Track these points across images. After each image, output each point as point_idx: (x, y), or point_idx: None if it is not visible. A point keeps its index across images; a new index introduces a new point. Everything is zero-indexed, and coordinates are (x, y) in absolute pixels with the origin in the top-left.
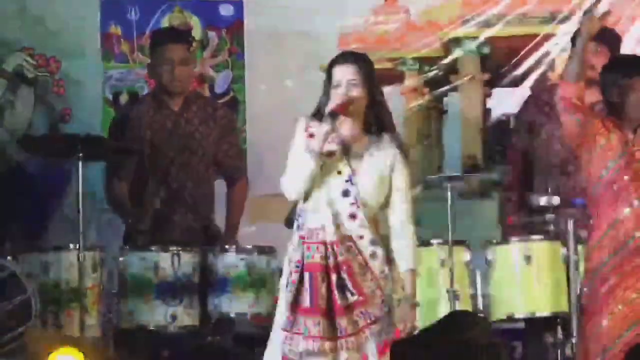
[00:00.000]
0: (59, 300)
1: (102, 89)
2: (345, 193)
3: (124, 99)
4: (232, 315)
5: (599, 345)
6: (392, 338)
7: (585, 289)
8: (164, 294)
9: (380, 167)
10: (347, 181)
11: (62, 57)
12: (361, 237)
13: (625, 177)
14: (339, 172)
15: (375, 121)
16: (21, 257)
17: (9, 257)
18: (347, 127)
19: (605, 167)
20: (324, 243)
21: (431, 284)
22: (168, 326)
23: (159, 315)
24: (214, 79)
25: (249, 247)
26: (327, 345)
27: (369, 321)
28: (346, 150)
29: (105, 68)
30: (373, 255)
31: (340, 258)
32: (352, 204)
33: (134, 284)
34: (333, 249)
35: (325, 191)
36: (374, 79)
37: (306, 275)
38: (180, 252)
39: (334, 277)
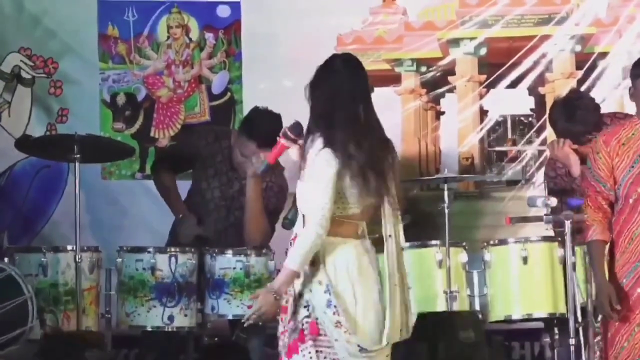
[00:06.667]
0: (57, 301)
1: (99, 90)
2: None
3: (121, 100)
4: (230, 317)
5: None
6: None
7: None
8: (161, 295)
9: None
10: None
11: (59, 58)
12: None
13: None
14: None
15: None
16: (19, 258)
17: (6, 259)
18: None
19: (623, 175)
20: None
21: (428, 285)
22: (165, 327)
23: (156, 316)
24: (211, 80)
25: (246, 248)
26: None
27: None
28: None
29: (102, 69)
30: None
31: None
32: None
33: (131, 285)
34: None
35: None
36: None
37: None
38: (178, 253)
39: None
